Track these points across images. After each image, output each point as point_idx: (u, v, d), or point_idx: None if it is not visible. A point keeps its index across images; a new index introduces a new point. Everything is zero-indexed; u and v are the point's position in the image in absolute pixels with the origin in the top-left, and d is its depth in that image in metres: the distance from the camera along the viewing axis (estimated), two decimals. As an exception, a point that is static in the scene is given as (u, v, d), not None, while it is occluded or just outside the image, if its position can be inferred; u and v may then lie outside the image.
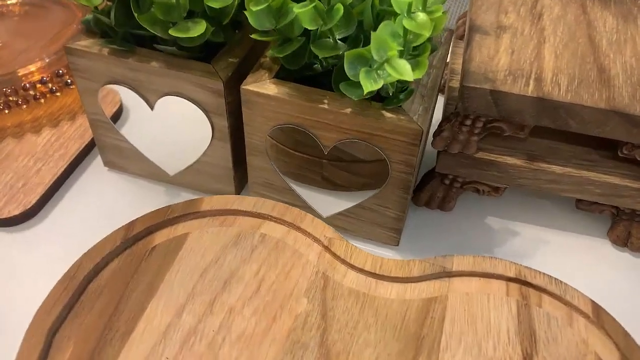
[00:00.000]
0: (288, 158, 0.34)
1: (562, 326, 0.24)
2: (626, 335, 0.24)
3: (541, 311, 0.25)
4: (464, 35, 0.36)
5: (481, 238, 0.34)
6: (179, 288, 0.24)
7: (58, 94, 0.38)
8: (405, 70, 0.23)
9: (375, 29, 0.26)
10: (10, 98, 0.36)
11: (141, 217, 0.27)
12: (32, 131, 0.37)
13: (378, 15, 0.27)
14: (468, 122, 0.32)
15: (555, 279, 0.26)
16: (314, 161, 0.33)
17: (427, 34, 0.23)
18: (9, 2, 0.46)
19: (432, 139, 0.33)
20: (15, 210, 0.32)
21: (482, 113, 0.31)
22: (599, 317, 0.25)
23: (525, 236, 0.34)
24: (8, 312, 0.29)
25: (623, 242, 0.34)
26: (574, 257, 0.33)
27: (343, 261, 0.26)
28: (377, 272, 0.26)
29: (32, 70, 0.38)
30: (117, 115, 0.38)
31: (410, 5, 0.22)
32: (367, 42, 0.27)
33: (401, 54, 0.24)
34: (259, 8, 0.24)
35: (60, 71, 0.37)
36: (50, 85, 0.37)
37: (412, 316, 0.24)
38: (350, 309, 0.24)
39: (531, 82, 0.30)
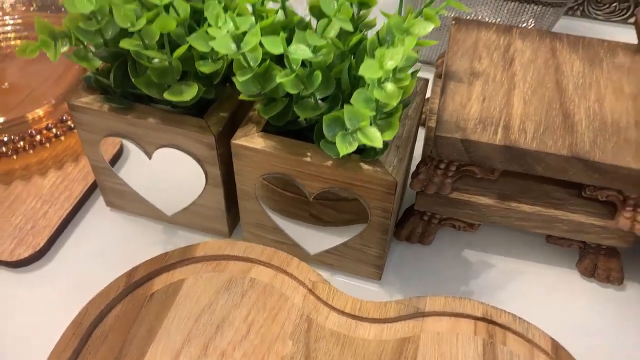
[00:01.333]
0: (278, 197, 0.37)
1: (524, 363, 0.27)
2: (581, 370, 0.26)
3: (505, 349, 0.27)
4: (442, 75, 0.38)
5: (458, 270, 0.36)
6: (175, 333, 0.27)
7: (62, 137, 0.40)
8: (375, 138, 0.25)
9: (352, 89, 0.28)
10: (19, 144, 0.38)
11: (142, 263, 0.30)
12: (39, 173, 0.39)
13: (355, 77, 0.30)
14: (442, 166, 0.34)
15: (519, 318, 0.28)
16: (302, 200, 0.36)
17: (395, 103, 0.25)
18: (12, 43, 0.49)
19: (411, 180, 0.35)
20: (24, 253, 0.35)
21: (455, 158, 0.33)
22: (557, 353, 0.27)
23: (500, 268, 0.37)
24: (19, 351, 0.32)
25: (590, 273, 0.36)
26: (545, 288, 0.36)
27: (325, 303, 0.29)
28: (356, 314, 0.28)
29: (40, 115, 0.41)
30: (118, 156, 0.41)
31: (379, 77, 0.25)
32: (346, 98, 0.29)
33: (374, 118, 0.27)
34: (244, 78, 0.27)
35: (64, 117, 0.40)
36: (54, 130, 0.39)
37: (388, 356, 0.27)
38: (331, 350, 0.27)
39: (499, 130, 0.33)
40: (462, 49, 0.38)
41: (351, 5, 0.31)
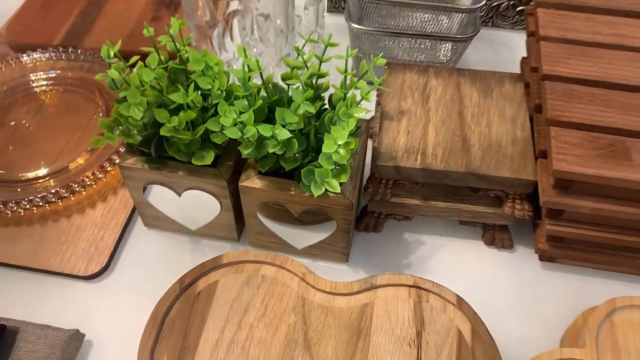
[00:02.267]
0: (272, 210, 0.51)
1: (439, 312, 0.43)
2: (475, 313, 0.43)
3: (427, 305, 0.43)
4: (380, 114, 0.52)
5: (401, 249, 0.52)
6: (219, 317, 0.42)
7: (103, 177, 0.53)
8: (335, 187, 0.40)
9: (317, 143, 0.43)
10: (75, 188, 0.51)
11: (188, 272, 0.44)
12: (90, 207, 0.53)
13: (318, 135, 0.44)
14: (383, 182, 0.49)
15: (436, 283, 0.44)
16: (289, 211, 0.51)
17: (345, 161, 0.40)
18: (43, 98, 0.61)
19: (363, 192, 0.50)
20: (95, 268, 0.49)
21: (391, 177, 0.48)
22: (460, 304, 0.43)
23: (428, 244, 0.52)
24: (105, 341, 0.46)
25: (490, 243, 0.52)
26: (461, 255, 0.52)
27: (313, 287, 0.44)
28: (333, 292, 0.44)
29: (80, 162, 0.54)
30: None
31: (334, 149, 0.39)
32: (314, 149, 0.44)
33: (333, 168, 0.41)
34: (247, 151, 0.41)
35: (104, 164, 0.53)
36: (97, 174, 0.53)
37: (355, 316, 0.42)
38: (319, 317, 0.42)
39: (419, 156, 0.48)
40: (393, 90, 0.52)
41: (312, 77, 0.45)
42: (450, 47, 0.60)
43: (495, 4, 0.64)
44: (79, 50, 0.62)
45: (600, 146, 0.43)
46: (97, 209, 0.53)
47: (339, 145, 0.39)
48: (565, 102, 0.46)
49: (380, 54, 0.45)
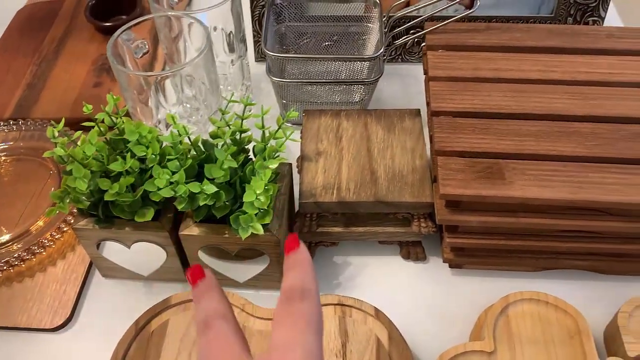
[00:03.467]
0: (215, 249, 0.58)
1: (360, 324, 0.50)
2: (390, 321, 0.50)
3: (350, 319, 0.50)
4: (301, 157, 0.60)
5: (331, 271, 0.59)
6: (171, 352, 0.48)
7: (61, 237, 0.59)
8: (259, 229, 0.47)
9: (242, 193, 0.50)
10: (36, 250, 0.57)
11: (142, 314, 0.51)
12: (51, 265, 0.59)
13: (244, 187, 0.51)
14: (308, 216, 0.56)
15: (357, 299, 0.51)
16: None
17: (266, 206, 0.47)
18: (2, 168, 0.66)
19: (293, 225, 0.57)
20: (60, 321, 0.55)
21: (314, 211, 0.56)
22: (377, 315, 0.51)
23: (355, 264, 0.60)
24: (76, 379, 0.52)
25: (407, 257, 0.60)
26: (382, 271, 0.59)
27: (252, 315, 0.51)
28: (269, 318, 0.51)
29: (40, 225, 0.60)
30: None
31: (255, 198, 0.46)
32: (240, 196, 0.51)
33: (257, 213, 0.48)
34: (182, 206, 0.48)
35: (61, 226, 0.59)
36: (55, 235, 0.59)
37: (289, 337, 0.49)
38: (259, 341, 0.49)
39: (334, 191, 0.55)
40: (310, 134, 0.60)
41: (235, 133, 0.52)
42: (362, 89, 0.68)
43: (401, 43, 0.72)
44: (29, 122, 0.69)
45: (479, 169, 0.51)
46: (57, 266, 0.59)
47: (258, 193, 0.47)
48: (450, 134, 0.54)
49: (292, 109, 0.52)
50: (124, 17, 0.84)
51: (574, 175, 0.50)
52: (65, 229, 0.59)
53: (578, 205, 0.50)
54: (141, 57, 0.62)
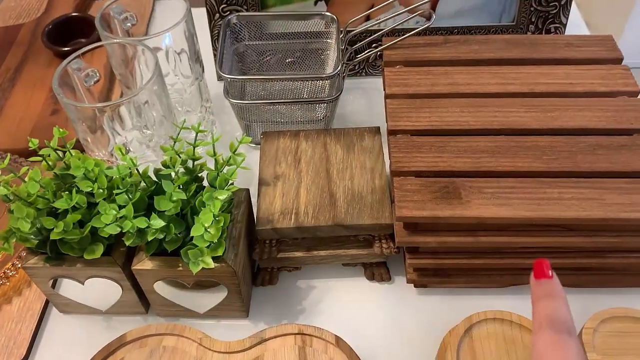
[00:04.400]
0: (172, 281, 0.57)
1: (321, 353, 0.49)
2: (351, 349, 0.49)
3: (311, 349, 0.49)
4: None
5: (294, 295, 0.58)
6: (127, 390, 0.47)
7: (16, 274, 0.58)
8: (209, 263, 0.46)
9: (193, 222, 0.49)
10: (-13, 289, 0.56)
11: (96, 353, 0.49)
12: (6, 303, 0.57)
13: (192, 216, 0.50)
14: (267, 242, 0.55)
15: (317, 327, 0.50)
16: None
17: (216, 239, 0.46)
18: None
19: (253, 253, 0.56)
20: (15, 361, 0.53)
21: (272, 237, 0.54)
22: (338, 343, 0.49)
23: (319, 287, 0.59)
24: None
25: (371, 277, 0.59)
26: (347, 293, 0.58)
27: (210, 349, 0.49)
28: (228, 351, 0.49)
29: (-6, 263, 0.58)
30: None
31: (204, 230, 0.45)
32: (191, 227, 0.50)
33: (209, 246, 0.47)
34: (130, 242, 0.46)
35: (15, 262, 0.57)
36: (9, 272, 0.57)
37: (247, 370, 0.48)
38: (216, 376, 0.48)
39: (292, 216, 0.54)
40: (269, 157, 0.59)
41: (187, 161, 0.51)
42: (323, 106, 0.67)
43: (363, 57, 0.71)
44: (-18, 154, 0.67)
45: (435, 189, 0.50)
46: (13, 304, 0.57)
47: (206, 226, 0.45)
48: (406, 153, 0.53)
49: (244, 134, 0.51)
50: (83, 40, 0.83)
51: (531, 192, 0.49)
52: (19, 265, 0.58)
53: (537, 222, 0.49)
54: (93, 84, 0.60)
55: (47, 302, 0.58)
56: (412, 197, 0.50)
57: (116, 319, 0.57)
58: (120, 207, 0.47)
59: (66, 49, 0.80)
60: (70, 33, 0.83)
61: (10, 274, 0.57)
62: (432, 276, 0.56)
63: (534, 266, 0.40)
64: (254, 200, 0.58)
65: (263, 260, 0.57)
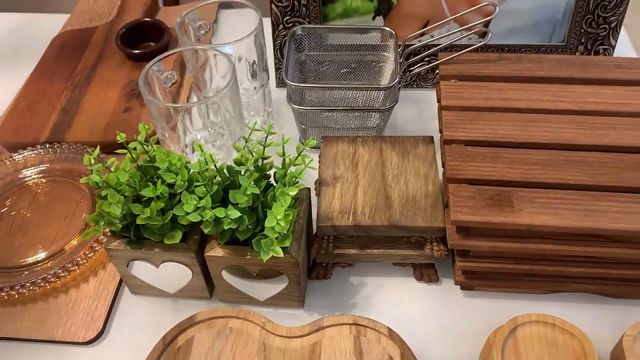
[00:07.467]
0: (237, 269, 0.61)
1: (374, 343, 0.53)
2: (402, 341, 0.53)
3: (365, 338, 0.53)
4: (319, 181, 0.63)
5: (347, 291, 0.62)
6: (197, 365, 0.52)
7: (92, 256, 0.63)
8: (279, 252, 0.50)
9: (264, 217, 0.53)
10: (70, 267, 0.61)
11: (169, 331, 0.54)
12: (84, 282, 0.62)
13: (263, 209, 0.54)
14: (325, 238, 0.59)
15: (371, 319, 0.54)
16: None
17: (286, 230, 0.50)
18: (35, 189, 0.71)
19: (311, 247, 0.60)
20: (92, 335, 0.58)
21: (331, 234, 0.59)
22: (391, 335, 0.53)
23: (370, 284, 0.63)
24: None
25: (420, 278, 0.63)
26: (397, 291, 0.62)
27: (272, 333, 0.54)
28: (289, 335, 0.53)
29: (74, 244, 0.64)
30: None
31: (276, 222, 0.50)
32: (261, 220, 0.54)
33: (278, 237, 0.51)
34: (207, 230, 0.51)
35: (93, 245, 0.63)
36: (88, 253, 0.62)
37: (307, 355, 0.52)
38: (278, 358, 0.52)
39: (350, 215, 0.58)
40: (328, 160, 0.63)
41: (257, 160, 0.55)
42: (378, 115, 0.71)
43: (416, 71, 0.75)
44: (63, 145, 0.73)
45: (488, 197, 0.54)
46: (90, 283, 0.62)
47: (278, 219, 0.50)
48: (461, 162, 0.57)
49: (312, 137, 0.55)
50: (152, 44, 0.89)
51: (579, 204, 0.52)
52: (97, 248, 0.63)
53: (584, 232, 0.52)
54: (170, 87, 0.66)
55: (120, 283, 0.63)
56: (466, 202, 0.53)
57: (182, 303, 0.62)
58: (200, 198, 0.52)
59: (137, 51, 0.86)
60: (141, 37, 0.89)
61: (89, 255, 0.63)
62: (479, 279, 0.59)
63: None
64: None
65: (320, 255, 0.61)
